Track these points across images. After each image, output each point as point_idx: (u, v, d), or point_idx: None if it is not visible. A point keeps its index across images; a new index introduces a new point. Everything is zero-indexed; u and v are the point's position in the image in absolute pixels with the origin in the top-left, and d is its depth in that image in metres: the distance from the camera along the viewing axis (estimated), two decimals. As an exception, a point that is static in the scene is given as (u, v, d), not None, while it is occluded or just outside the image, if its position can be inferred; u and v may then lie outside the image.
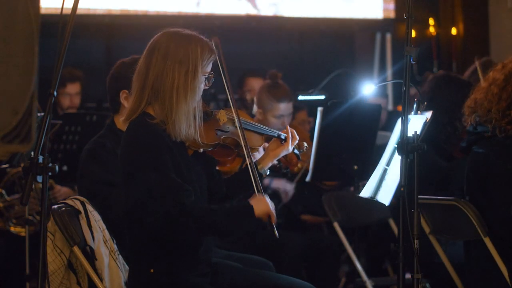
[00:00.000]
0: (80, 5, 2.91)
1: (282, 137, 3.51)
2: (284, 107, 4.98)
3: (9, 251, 5.02)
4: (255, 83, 6.12)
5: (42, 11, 2.34)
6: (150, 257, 3.09)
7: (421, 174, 3.01)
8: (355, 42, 8.72)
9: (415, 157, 2.97)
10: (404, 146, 2.97)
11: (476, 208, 3.63)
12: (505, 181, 3.60)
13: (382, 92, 7.03)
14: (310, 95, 5.97)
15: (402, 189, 2.95)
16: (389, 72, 8.22)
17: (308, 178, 4.85)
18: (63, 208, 3.34)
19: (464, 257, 3.85)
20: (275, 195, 5.05)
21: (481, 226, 3.60)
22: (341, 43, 8.61)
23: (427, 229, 3.97)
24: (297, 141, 3.52)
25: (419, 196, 3.00)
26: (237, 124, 3.27)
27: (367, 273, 4.98)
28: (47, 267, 2.93)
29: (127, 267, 3.36)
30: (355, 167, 4.83)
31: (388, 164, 3.50)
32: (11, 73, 2.16)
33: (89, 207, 3.39)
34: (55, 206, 3.36)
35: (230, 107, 3.31)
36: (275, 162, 3.90)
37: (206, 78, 3.12)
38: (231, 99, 3.29)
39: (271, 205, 3.09)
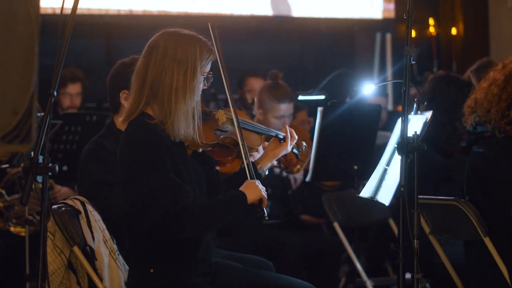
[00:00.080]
0: (80, 5, 2.91)
1: (281, 136, 3.51)
2: (285, 108, 4.97)
3: (9, 251, 5.02)
4: (255, 83, 6.12)
5: (42, 11, 2.34)
6: (150, 257, 3.09)
7: (421, 173, 3.01)
8: (355, 42, 8.72)
9: (415, 157, 2.97)
10: (404, 146, 2.97)
11: (476, 208, 3.63)
12: (505, 181, 3.59)
13: (382, 92, 7.03)
14: (310, 95, 5.97)
15: (402, 189, 2.95)
16: (389, 72, 8.22)
17: (308, 178, 4.85)
18: (63, 208, 3.34)
19: (464, 257, 3.85)
20: (284, 181, 5.05)
21: (481, 226, 3.60)
22: (341, 43, 8.61)
23: (427, 229, 3.97)
24: (296, 141, 3.53)
25: (419, 196, 3.00)
26: (235, 123, 3.27)
27: (367, 273, 4.98)
28: (47, 267, 2.94)
29: (127, 267, 3.36)
30: (355, 167, 4.83)
31: (388, 164, 3.50)
32: (11, 73, 2.16)
33: (89, 207, 3.39)
34: (55, 206, 3.36)
35: (230, 107, 3.31)
36: (274, 162, 3.90)
37: (205, 78, 3.12)
38: (229, 98, 3.29)
39: (262, 189, 3.13)
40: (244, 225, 4.59)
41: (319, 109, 4.76)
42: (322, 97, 5.89)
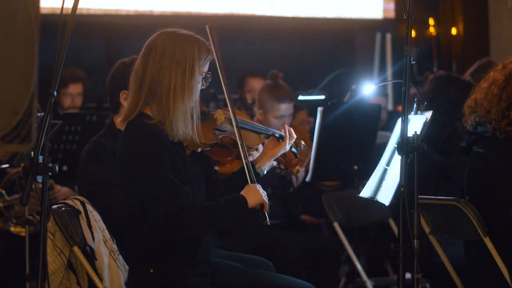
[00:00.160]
0: (80, 5, 2.91)
1: (280, 135, 3.51)
2: (285, 108, 4.97)
3: (9, 251, 5.02)
4: (256, 83, 6.12)
5: (42, 11, 2.34)
6: (150, 257, 3.09)
7: (421, 173, 3.01)
8: (355, 42, 8.71)
9: (415, 157, 2.97)
10: (404, 146, 2.97)
11: (476, 208, 3.63)
12: (506, 181, 3.59)
13: (382, 92, 7.03)
14: (310, 95, 5.97)
15: (402, 189, 2.95)
16: (389, 72, 8.22)
17: (308, 178, 4.85)
18: (63, 208, 3.34)
19: (464, 257, 3.85)
20: (284, 181, 5.05)
21: (481, 226, 3.60)
22: (341, 43, 8.61)
23: (427, 229, 3.97)
24: (294, 140, 3.53)
25: (419, 196, 3.00)
26: (233, 123, 3.27)
27: (367, 273, 4.98)
28: (47, 267, 2.94)
29: (127, 267, 3.36)
30: (355, 167, 4.83)
31: (388, 164, 3.50)
32: (11, 73, 2.16)
33: (89, 207, 3.39)
34: (55, 206, 3.36)
35: (228, 107, 3.31)
36: (274, 163, 3.91)
37: (203, 78, 3.12)
38: (227, 97, 3.30)
39: (263, 194, 3.12)
40: (245, 227, 4.59)
41: (319, 109, 4.76)
42: (322, 97, 5.89)
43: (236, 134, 3.26)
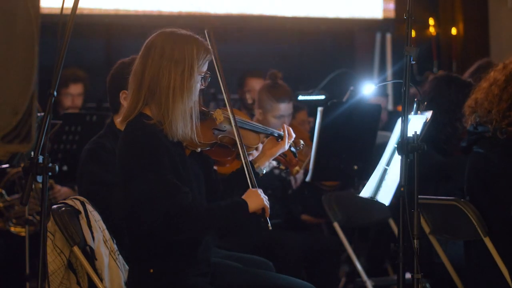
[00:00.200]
0: (80, 5, 2.91)
1: (279, 135, 3.52)
2: (284, 107, 4.97)
3: (9, 251, 5.02)
4: (256, 84, 6.11)
5: (42, 11, 2.34)
6: (150, 257, 3.09)
7: (421, 173, 3.01)
8: (355, 42, 8.71)
9: (415, 157, 2.97)
10: (404, 146, 2.97)
11: (477, 208, 3.63)
12: (506, 181, 3.59)
13: (382, 92, 7.03)
14: (310, 95, 5.97)
15: (402, 189, 2.95)
16: (389, 72, 8.22)
17: (308, 178, 4.84)
18: (63, 208, 3.34)
19: (464, 257, 3.85)
20: (284, 182, 5.06)
21: (481, 226, 3.60)
22: (341, 43, 8.61)
23: (427, 229, 3.97)
24: (293, 139, 3.53)
25: (419, 196, 3.00)
26: (232, 122, 3.28)
27: (367, 273, 4.98)
28: (47, 267, 2.93)
29: (127, 267, 3.36)
30: (355, 167, 4.83)
31: (388, 164, 3.50)
32: (11, 73, 2.16)
33: (89, 207, 3.39)
34: (55, 206, 3.36)
35: (228, 107, 3.32)
36: (274, 163, 3.91)
37: (202, 77, 3.12)
38: (226, 97, 3.30)
39: (264, 198, 3.12)
40: (245, 231, 4.59)
41: (319, 109, 4.76)
42: (322, 97, 5.90)
43: (235, 134, 3.27)
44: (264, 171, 3.48)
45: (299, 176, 5.07)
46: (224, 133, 3.32)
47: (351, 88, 4.89)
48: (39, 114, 2.95)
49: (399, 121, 3.31)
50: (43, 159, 2.69)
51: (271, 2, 8.00)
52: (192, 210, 3.00)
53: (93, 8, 7.40)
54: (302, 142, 3.67)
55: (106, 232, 3.39)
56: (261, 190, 3.16)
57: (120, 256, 3.40)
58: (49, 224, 3.31)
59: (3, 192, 5.00)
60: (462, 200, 3.69)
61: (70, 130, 5.04)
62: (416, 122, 3.34)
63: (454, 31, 8.14)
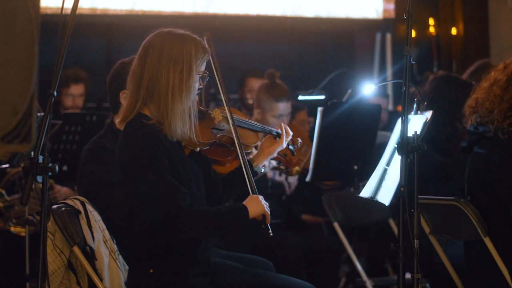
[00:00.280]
0: (80, 5, 2.91)
1: (276, 133, 3.52)
2: (283, 107, 4.98)
3: (9, 251, 5.02)
4: (256, 84, 6.11)
5: (42, 11, 2.34)
6: (150, 257, 3.09)
7: (421, 173, 3.01)
8: (355, 42, 8.71)
9: (415, 157, 2.97)
10: (404, 146, 2.97)
11: (477, 208, 3.63)
12: (507, 181, 3.59)
13: (383, 92, 7.03)
14: (310, 95, 5.96)
15: (402, 189, 2.95)
16: (389, 72, 8.22)
17: (308, 178, 4.84)
18: (63, 208, 3.34)
19: (464, 257, 3.85)
20: (278, 188, 5.06)
21: (481, 226, 3.60)
22: (341, 43, 8.61)
23: (427, 229, 3.97)
24: (290, 137, 3.54)
25: (419, 196, 3.00)
26: (230, 121, 3.28)
27: (367, 273, 4.98)
28: (47, 267, 2.94)
29: (127, 267, 3.36)
30: (355, 167, 4.83)
31: (388, 164, 3.50)
32: (11, 73, 2.16)
33: (89, 207, 3.39)
34: (55, 206, 3.36)
35: (225, 105, 3.33)
36: (274, 163, 3.91)
37: (200, 77, 3.12)
38: (224, 97, 3.31)
39: (265, 205, 3.12)
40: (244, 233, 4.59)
41: (319, 109, 4.76)
42: (322, 97, 5.89)
43: (233, 132, 3.27)
44: (263, 170, 3.49)
45: (294, 181, 5.08)
46: (223, 132, 3.33)
47: (349, 90, 4.89)
48: (39, 114, 2.95)
49: (399, 121, 3.31)
50: (43, 159, 2.69)
51: (271, 2, 8.00)
52: (190, 211, 3.00)
53: (93, 8, 7.40)
54: (300, 140, 3.68)
55: (106, 232, 3.39)
56: (262, 197, 3.16)
57: (120, 256, 3.40)
58: (49, 224, 3.31)
59: (3, 192, 5.00)
60: (462, 200, 3.69)
61: (70, 130, 5.04)
62: (416, 122, 3.34)
63: (454, 31, 8.14)
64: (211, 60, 3.21)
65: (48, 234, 3.30)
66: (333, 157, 4.80)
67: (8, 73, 2.16)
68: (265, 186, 4.85)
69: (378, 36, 8.46)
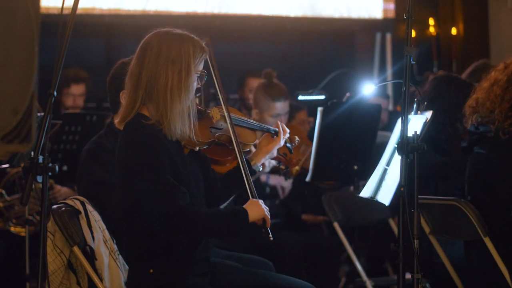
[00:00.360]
0: (80, 5, 2.91)
1: (274, 131, 3.53)
2: (281, 106, 4.98)
3: (9, 251, 5.02)
4: (256, 84, 6.10)
5: (42, 11, 2.34)
6: (150, 257, 3.09)
7: (421, 173, 3.01)
8: (355, 42, 8.71)
9: (415, 157, 2.97)
10: (404, 146, 2.97)
11: (477, 208, 3.63)
12: (507, 181, 3.59)
13: (383, 93, 7.03)
14: (310, 95, 5.97)
15: (402, 189, 2.95)
16: (389, 72, 8.21)
17: (308, 178, 4.84)
18: (63, 208, 3.34)
19: (464, 257, 3.85)
20: (272, 192, 5.06)
21: (481, 226, 3.60)
22: (341, 43, 8.61)
23: (427, 229, 3.97)
24: (288, 135, 3.55)
25: (419, 196, 3.00)
26: (227, 120, 3.29)
27: (367, 273, 4.97)
28: (47, 267, 2.94)
29: (127, 267, 3.36)
30: (355, 167, 4.83)
31: (388, 164, 3.50)
32: (11, 73, 2.16)
33: (89, 207, 3.39)
34: (55, 206, 3.36)
35: (222, 104, 3.34)
36: (274, 163, 3.91)
37: (198, 76, 3.13)
38: (221, 96, 3.32)
39: (265, 209, 3.12)
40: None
41: (319, 109, 4.76)
42: (322, 97, 5.89)
43: (230, 131, 3.28)
44: (261, 169, 3.50)
45: (287, 185, 5.08)
46: (221, 131, 3.34)
47: (347, 94, 4.89)
48: (39, 114, 2.95)
49: (399, 121, 3.31)
50: (43, 159, 2.69)
51: (271, 2, 7.99)
52: (189, 212, 3.00)
53: (93, 8, 7.40)
54: (297, 138, 3.69)
55: (106, 232, 3.39)
56: (262, 201, 3.17)
57: (120, 256, 3.40)
58: (49, 224, 3.31)
59: (3, 192, 5.00)
60: (462, 200, 3.69)
61: (70, 130, 5.04)
62: (416, 122, 3.34)
63: (454, 31, 8.14)
64: (209, 61, 3.21)
65: (48, 234, 3.30)
66: (333, 157, 4.80)
67: (8, 73, 2.16)
68: (262, 188, 4.85)
69: (378, 36, 8.46)
